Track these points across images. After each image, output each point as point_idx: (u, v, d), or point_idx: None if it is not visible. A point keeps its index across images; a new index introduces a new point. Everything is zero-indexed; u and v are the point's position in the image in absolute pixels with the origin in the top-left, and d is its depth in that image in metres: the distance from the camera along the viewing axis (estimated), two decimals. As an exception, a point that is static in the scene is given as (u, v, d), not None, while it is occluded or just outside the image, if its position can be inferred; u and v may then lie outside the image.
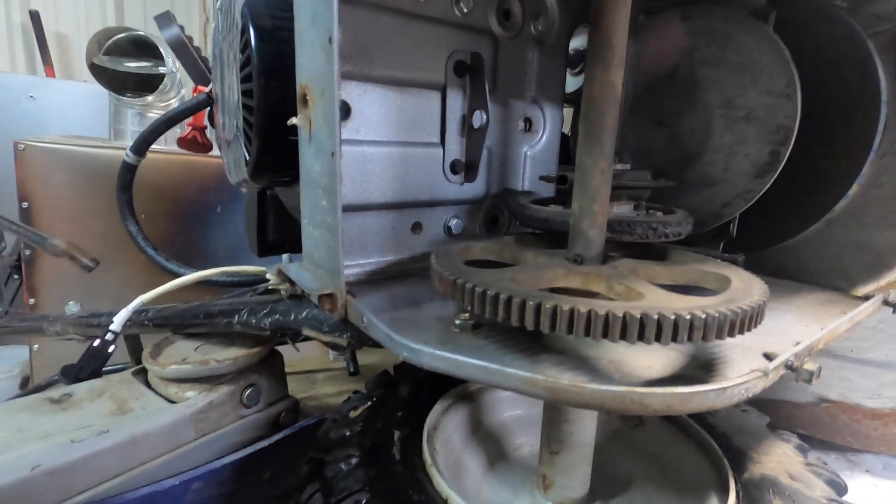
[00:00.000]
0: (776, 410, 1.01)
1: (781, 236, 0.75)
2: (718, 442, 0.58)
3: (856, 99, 0.65)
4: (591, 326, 0.38)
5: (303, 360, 1.34)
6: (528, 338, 0.46)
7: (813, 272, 0.75)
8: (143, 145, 0.84)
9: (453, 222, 0.77)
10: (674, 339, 0.37)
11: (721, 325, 0.38)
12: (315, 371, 1.23)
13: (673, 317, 0.37)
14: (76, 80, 2.87)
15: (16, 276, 2.37)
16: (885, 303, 0.63)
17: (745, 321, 0.40)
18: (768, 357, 0.43)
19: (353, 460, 0.51)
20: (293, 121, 0.54)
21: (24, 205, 1.24)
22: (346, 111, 0.62)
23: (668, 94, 0.75)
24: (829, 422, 0.98)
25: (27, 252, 1.28)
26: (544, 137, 0.85)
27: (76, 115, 2.63)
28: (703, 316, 0.37)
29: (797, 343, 0.47)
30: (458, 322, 0.49)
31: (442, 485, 0.50)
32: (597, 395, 0.36)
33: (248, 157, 0.69)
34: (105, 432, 0.58)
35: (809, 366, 0.41)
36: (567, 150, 0.94)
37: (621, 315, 0.37)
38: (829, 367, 0.95)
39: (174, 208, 1.47)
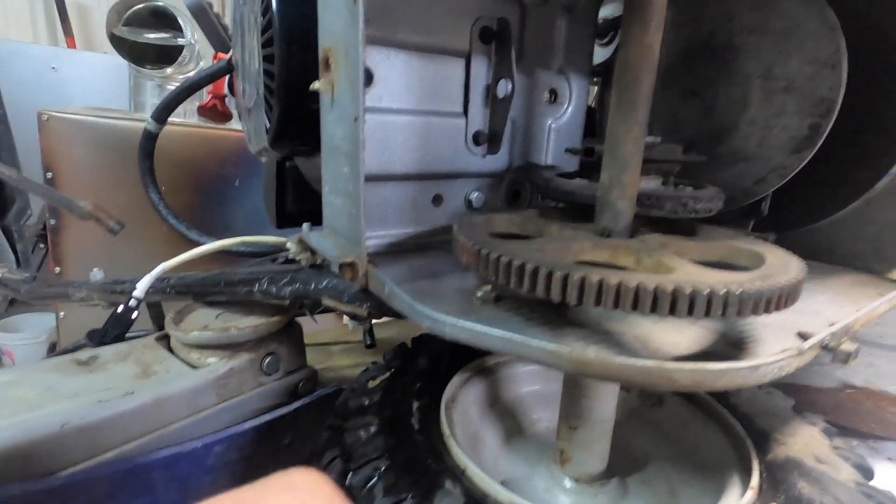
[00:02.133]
0: (799, 395, 0.99)
1: (817, 216, 0.72)
2: (741, 423, 0.57)
3: (905, 69, 0.61)
4: (620, 299, 0.37)
5: (319, 332, 1.36)
6: (552, 312, 0.45)
7: (848, 254, 0.72)
8: (164, 112, 0.83)
9: (474, 195, 0.75)
10: (707, 314, 0.36)
11: (757, 301, 0.37)
12: (331, 343, 1.24)
13: (706, 291, 0.35)
14: (97, 52, 2.88)
15: (42, 245, 2.43)
16: (926, 286, 0.60)
17: (782, 298, 0.38)
18: (803, 336, 0.42)
19: (372, 428, 0.52)
20: (315, 85, 0.53)
21: (49, 175, 1.25)
22: (368, 78, 0.61)
23: (703, 62, 0.71)
24: (853, 408, 0.96)
25: (52, 221, 1.31)
26: (570, 110, 0.82)
27: (97, 87, 2.65)
28: (739, 291, 0.36)
29: (832, 323, 0.45)
30: (479, 294, 0.48)
31: (460, 455, 0.50)
32: (623, 368, 0.35)
33: (268, 125, 0.68)
34: (131, 394, 0.59)
35: (847, 346, 0.39)
36: (592, 123, 0.91)
37: (652, 288, 0.36)
38: (857, 352, 0.92)
39: (194, 181, 1.48)
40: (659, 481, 0.60)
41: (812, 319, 0.47)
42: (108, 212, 0.82)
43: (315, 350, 1.20)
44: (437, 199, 0.72)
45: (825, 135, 0.61)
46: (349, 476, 0.47)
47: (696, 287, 0.35)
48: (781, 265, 0.43)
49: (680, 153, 0.62)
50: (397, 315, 0.57)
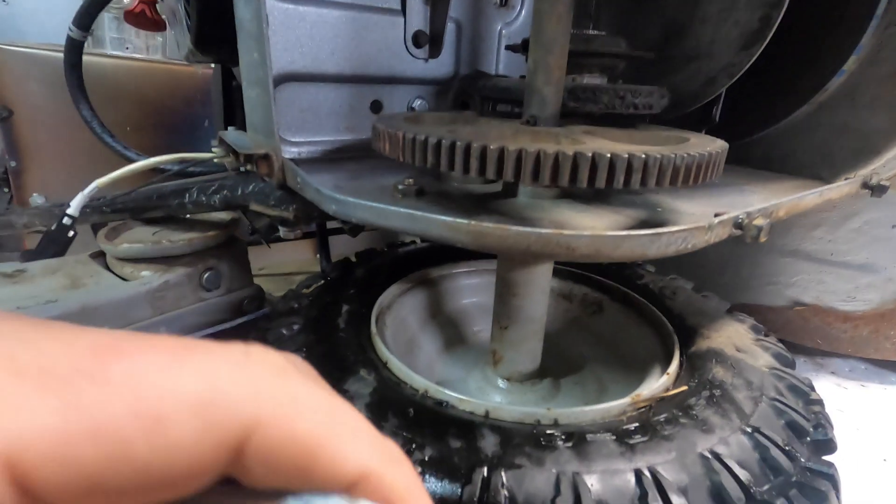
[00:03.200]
0: (750, 314, 1.01)
1: (768, 121, 0.70)
2: (672, 322, 0.57)
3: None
4: (521, 167, 0.35)
5: (284, 263, 1.35)
6: (474, 204, 0.44)
7: (799, 162, 0.71)
8: (85, 18, 0.77)
9: (417, 103, 0.72)
10: (609, 182, 0.35)
11: (662, 169, 0.35)
12: (293, 273, 1.23)
13: (608, 155, 0.34)
14: (48, -18, 2.68)
15: (5, 190, 2.35)
16: (864, 185, 0.59)
17: (698, 168, 0.37)
18: (717, 216, 0.41)
19: (295, 327, 0.51)
20: (217, -40, 0.48)
21: (3, 114, 1.18)
22: (287, -38, 0.56)
23: (654, -47, 0.67)
24: (802, 325, 0.98)
25: (13, 164, 1.25)
26: (522, 13, 0.78)
27: (52, 21, 2.47)
28: (643, 156, 0.34)
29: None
30: (400, 187, 0.46)
31: (382, 349, 0.50)
32: (521, 236, 0.34)
33: (188, 24, 0.64)
34: (53, 302, 0.58)
35: (759, 221, 0.38)
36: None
37: (552, 152, 0.34)
38: (807, 270, 0.93)
39: (160, 120, 1.41)
40: (591, 381, 0.61)
41: (738, 210, 0.46)
42: None
43: (276, 280, 1.20)
44: (377, 106, 0.68)
45: (774, 27, 0.58)
46: (266, 368, 0.47)
47: (598, 151, 0.34)
48: (702, 144, 0.41)
49: (624, 47, 0.59)
50: (324, 216, 0.55)
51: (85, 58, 1.31)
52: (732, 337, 0.53)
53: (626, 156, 0.34)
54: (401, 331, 0.62)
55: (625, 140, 0.47)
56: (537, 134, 0.45)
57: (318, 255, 1.32)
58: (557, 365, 0.62)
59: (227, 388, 0.12)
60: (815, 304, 0.95)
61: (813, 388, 0.48)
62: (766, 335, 0.55)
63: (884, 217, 0.84)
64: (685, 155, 0.36)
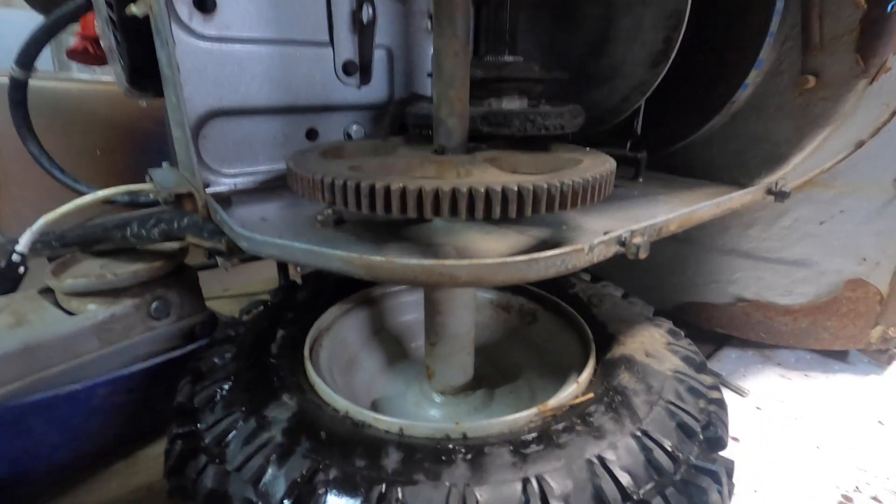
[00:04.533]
0: (698, 312, 1.05)
1: (686, 132, 0.73)
2: (595, 330, 0.60)
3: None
4: (405, 202, 0.38)
5: (249, 283, 1.36)
6: (389, 232, 0.46)
7: (718, 169, 0.74)
8: (25, 56, 0.79)
9: (353, 128, 0.74)
10: (487, 214, 0.37)
11: (548, 197, 0.38)
12: (257, 294, 1.25)
13: (483, 189, 0.37)
14: (14, 9, 2.67)
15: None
16: (769, 192, 0.63)
17: (575, 193, 0.40)
18: (603, 235, 0.44)
19: (227, 355, 0.53)
20: (132, 9, 0.50)
21: None
22: (209, 3, 0.58)
23: (566, -20, 0.70)
24: (745, 320, 1.02)
25: None
26: (453, 37, 0.80)
27: (17, 46, 2.46)
28: (530, 188, 0.37)
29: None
30: (320, 218, 0.49)
31: (311, 373, 0.52)
32: (408, 269, 0.37)
33: (122, 63, 0.66)
34: (-5, 342, 0.59)
35: (637, 239, 0.41)
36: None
37: (431, 189, 0.37)
38: (746, 267, 0.97)
39: (130, 142, 1.41)
40: (524, 389, 0.64)
41: (636, 224, 0.49)
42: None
43: (240, 300, 1.21)
44: (312, 134, 0.71)
45: (676, 47, 0.62)
46: (195, 398, 0.49)
47: (474, 186, 0.37)
48: (590, 167, 0.44)
49: (538, 71, 0.62)
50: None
51: (52, 83, 1.31)
52: (646, 342, 0.56)
53: (499, 189, 0.37)
54: (340, 351, 0.64)
55: (526, 166, 0.50)
56: (441, 165, 0.47)
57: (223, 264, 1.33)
58: (494, 375, 0.65)
59: None
60: (756, 300, 0.99)
61: (717, 387, 0.51)
62: (679, 339, 0.58)
63: (812, 213, 0.88)
64: (560, 183, 0.39)
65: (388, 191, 0.38)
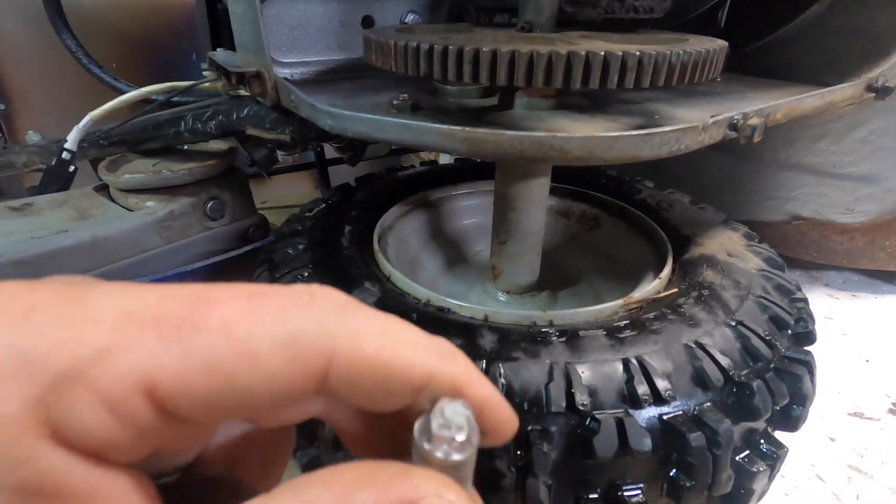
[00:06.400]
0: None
1: (773, 26, 0.67)
2: (667, 232, 0.58)
3: None
4: (513, 70, 0.35)
5: (288, 195, 1.36)
6: (471, 117, 0.43)
7: (804, 69, 0.68)
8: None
9: (410, 17, 0.69)
10: (618, 83, 0.34)
11: (668, 67, 0.35)
12: (294, 206, 1.24)
13: (602, 53, 0.33)
14: None
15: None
16: (869, 88, 0.58)
17: (694, 65, 0.37)
18: (713, 117, 0.41)
19: (301, 246, 0.53)
20: None
21: None
22: None
23: None
24: (798, 238, 0.99)
25: (2, 106, 1.22)
26: (517, -86, 0.72)
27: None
28: (653, 54, 0.34)
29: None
30: (395, 102, 0.46)
31: (385, 264, 0.51)
32: (516, 141, 0.35)
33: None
34: (65, 232, 0.60)
35: (753, 120, 0.38)
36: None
37: (546, 53, 0.33)
38: (808, 183, 0.93)
39: (147, 57, 1.35)
40: (587, 292, 0.63)
41: (747, 108, 0.45)
42: None
43: (279, 212, 1.21)
44: (368, 21, 0.66)
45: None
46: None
47: (592, 51, 0.33)
48: (700, 43, 0.40)
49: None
50: (321, 137, 0.55)
51: (65, -6, 1.24)
52: (725, 244, 0.54)
53: (620, 54, 0.34)
54: (403, 250, 0.64)
55: (621, 42, 0.46)
56: (532, 39, 0.44)
57: (317, 187, 1.32)
58: (555, 279, 0.65)
59: (303, 327, 0.15)
60: (814, 218, 0.96)
61: (800, 289, 0.50)
62: (758, 241, 0.56)
63: (890, 125, 0.82)
64: (681, 52, 0.35)
65: (495, 56, 0.34)
